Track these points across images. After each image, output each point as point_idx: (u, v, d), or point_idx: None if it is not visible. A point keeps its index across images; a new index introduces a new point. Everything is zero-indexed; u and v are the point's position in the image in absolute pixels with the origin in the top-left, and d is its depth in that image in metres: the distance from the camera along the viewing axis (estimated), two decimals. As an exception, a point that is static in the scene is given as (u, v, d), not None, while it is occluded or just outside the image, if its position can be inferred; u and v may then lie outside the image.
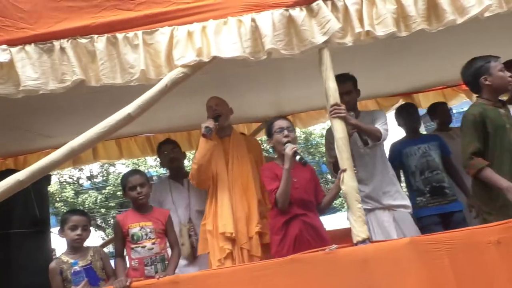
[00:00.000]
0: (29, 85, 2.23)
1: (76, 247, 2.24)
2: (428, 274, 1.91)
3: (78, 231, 2.22)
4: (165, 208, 2.81)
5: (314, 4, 2.25)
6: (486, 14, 2.24)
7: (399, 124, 3.41)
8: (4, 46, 2.20)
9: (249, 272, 2.00)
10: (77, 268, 2.05)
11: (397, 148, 3.22)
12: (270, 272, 1.98)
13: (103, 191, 17.82)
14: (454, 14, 2.24)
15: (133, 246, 2.31)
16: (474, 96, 4.93)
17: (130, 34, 2.28)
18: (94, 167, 17.97)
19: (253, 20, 2.22)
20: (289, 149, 2.34)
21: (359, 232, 2.03)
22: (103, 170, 18.04)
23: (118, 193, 16.45)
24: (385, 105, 4.94)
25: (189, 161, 8.59)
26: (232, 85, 3.10)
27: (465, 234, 1.96)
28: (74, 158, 4.53)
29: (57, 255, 2.36)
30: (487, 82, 2.35)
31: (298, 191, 2.39)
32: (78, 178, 17.89)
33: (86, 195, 17.03)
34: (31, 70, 2.25)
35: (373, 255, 1.94)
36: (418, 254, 1.93)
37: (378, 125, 2.64)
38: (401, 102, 5.02)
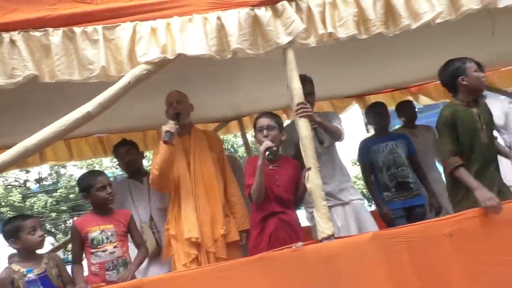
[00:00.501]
0: (-24, 77, 2.06)
1: (27, 255, 2.09)
2: (390, 268, 1.99)
3: (40, 232, 2.08)
4: (126, 208, 2.71)
5: (279, 5, 2.27)
6: (438, 21, 2.38)
7: (369, 122, 3.55)
8: None
9: (215, 272, 1.98)
10: (32, 276, 1.92)
11: (366, 145, 3.36)
12: (236, 272, 1.98)
13: (54, 194, 16.87)
14: (409, 19, 2.36)
15: (93, 250, 2.21)
16: (421, 98, 5.29)
17: (89, 28, 2.18)
18: (44, 169, 16.88)
19: (218, 18, 2.21)
20: (263, 146, 2.35)
21: (325, 229, 2.08)
22: (52, 172, 17.01)
23: (71, 195, 15.58)
24: (340, 106, 5.12)
25: (148, 161, 8.33)
26: (191, 84, 3.04)
27: (421, 227, 2.07)
28: None
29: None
30: (464, 83, 2.46)
31: (279, 189, 2.41)
32: (26, 181, 16.73)
33: (35, 199, 15.98)
34: (-22, 61, 2.08)
35: (337, 251, 1.99)
36: (381, 248, 2.01)
37: (336, 125, 2.73)
38: (354, 104, 5.22)
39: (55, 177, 17.50)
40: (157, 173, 2.43)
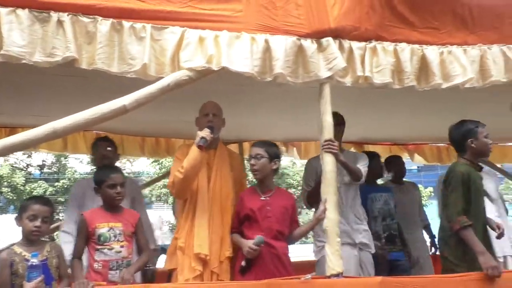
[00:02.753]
0: (12, 51, 2.01)
1: (32, 240, 1.99)
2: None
3: (37, 223, 1.97)
4: (86, 206, 2.60)
5: (324, 40, 2.35)
6: (467, 85, 2.50)
7: (388, 170, 3.67)
8: (-6, 4, 1.98)
9: (222, 291, 1.93)
10: (35, 261, 1.80)
11: (362, 191, 3.38)
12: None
13: (56, 184, 16.27)
14: (441, 79, 2.47)
15: (98, 247, 2.11)
16: (416, 157, 5.43)
17: (138, 25, 2.18)
18: (48, 157, 16.24)
19: (266, 41, 2.26)
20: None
21: (335, 266, 2.07)
22: (57, 161, 16.41)
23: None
24: (338, 149, 5.18)
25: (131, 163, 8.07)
26: (210, 99, 3.05)
27: (434, 280, 2.10)
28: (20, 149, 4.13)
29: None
30: (473, 145, 2.55)
31: (269, 220, 2.37)
32: (28, 165, 16.02)
33: (36, 185, 15.28)
34: (19, 36, 2.03)
35: (345, 290, 1.98)
36: (388, 294, 2.01)
37: (360, 166, 2.78)
38: (352, 149, 5.32)
39: (58, 167, 16.87)
40: (181, 176, 2.33)
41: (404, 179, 4.02)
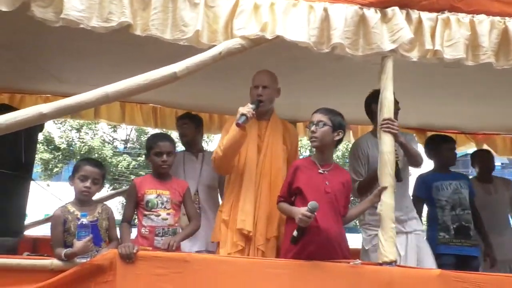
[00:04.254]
0: (72, 16, 2.04)
1: (83, 200, 2.05)
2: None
3: (87, 183, 2.01)
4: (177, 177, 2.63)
5: (389, 9, 2.15)
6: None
7: (429, 156, 3.33)
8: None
9: (265, 267, 1.87)
10: (84, 221, 1.85)
11: (426, 180, 3.14)
12: (286, 272, 1.86)
13: (138, 158, 17.27)
14: (525, 56, 2.18)
15: (146, 213, 2.13)
16: (484, 146, 4.98)
17: (192, -9, 2.12)
18: (132, 133, 17.39)
19: (325, 9, 2.11)
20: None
21: (388, 253, 1.93)
22: (139, 137, 17.57)
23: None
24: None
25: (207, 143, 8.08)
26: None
27: (495, 279, 1.88)
28: (56, 118, 4.32)
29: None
30: None
31: (329, 197, 2.14)
32: (114, 139, 17.27)
33: (121, 158, 16.46)
34: (78, 1, 2.06)
35: (399, 279, 1.84)
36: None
37: None
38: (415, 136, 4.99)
39: (140, 142, 17.93)
40: (221, 154, 2.28)
41: (493, 175, 3.65)
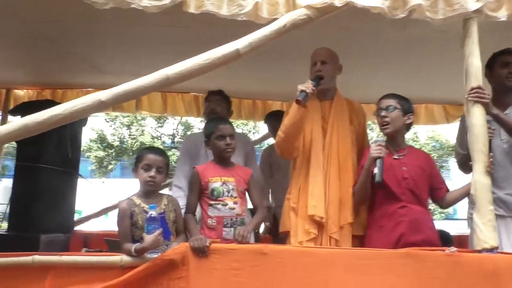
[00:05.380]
0: (123, -5, 1.90)
1: (148, 191, 1.92)
2: None
3: (152, 173, 1.88)
4: (199, 161, 2.45)
5: (471, -36, 1.90)
6: None
7: None
8: None
9: (351, 258, 1.69)
10: (153, 213, 1.73)
11: None
12: (375, 263, 1.67)
13: None
14: None
15: (212, 202, 1.98)
16: None
17: (247, -39, 1.94)
18: (179, 128, 17.56)
19: (399, -32, 1.88)
20: (374, 151, 2.01)
21: (487, 238, 1.71)
22: (185, 132, 17.78)
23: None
24: (452, 115, 4.52)
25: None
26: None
27: None
28: (115, 105, 4.27)
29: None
30: None
31: (407, 183, 2.04)
32: (161, 134, 17.43)
33: (170, 153, 16.75)
34: (127, -21, 1.92)
35: (505, 268, 1.62)
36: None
37: None
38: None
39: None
40: (283, 136, 2.13)
41: None
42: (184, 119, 15.79)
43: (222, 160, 2.10)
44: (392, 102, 2.14)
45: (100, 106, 1.74)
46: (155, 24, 2.48)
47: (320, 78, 2.20)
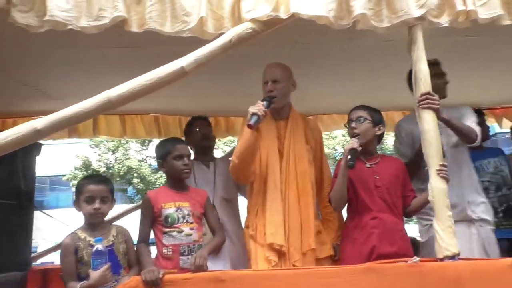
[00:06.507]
0: (57, 16, 1.81)
1: (94, 223, 1.80)
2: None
3: (96, 204, 1.77)
4: None
5: (412, -28, 1.91)
6: None
7: None
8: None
9: (314, 278, 1.62)
10: (100, 247, 1.60)
11: None
12: (339, 281, 1.61)
13: None
14: None
15: (166, 230, 1.87)
16: (505, 121, 4.71)
17: (191, -25, 1.88)
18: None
19: (341, -22, 1.87)
20: (347, 145, 2.05)
21: (448, 245, 1.68)
22: None
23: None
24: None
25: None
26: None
27: None
28: (71, 129, 4.09)
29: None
30: None
31: (380, 191, 2.03)
32: (146, 157, 16.92)
33: (158, 175, 16.06)
34: (63, -1, 1.82)
35: (468, 275, 1.59)
36: (521, 279, 1.59)
37: (470, 124, 2.27)
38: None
39: None
40: (237, 161, 2.04)
41: None
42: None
43: (178, 183, 1.99)
44: (362, 113, 2.15)
45: (36, 135, 1.62)
46: (101, 45, 2.38)
47: (271, 98, 2.11)
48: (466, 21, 1.97)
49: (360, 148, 2.03)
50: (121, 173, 15.31)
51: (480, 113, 3.07)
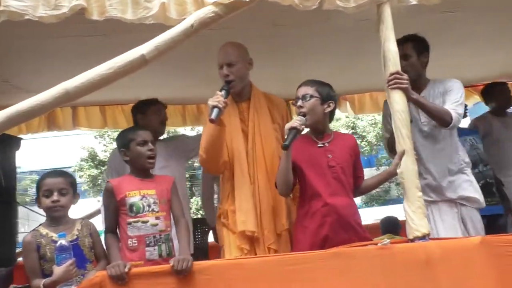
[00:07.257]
0: (13, 6, 1.75)
1: (56, 218, 1.74)
2: (501, 281, 1.57)
3: (54, 197, 1.71)
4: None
5: None
6: None
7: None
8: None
9: (282, 265, 1.60)
10: (63, 242, 1.57)
11: None
12: (308, 266, 1.59)
13: None
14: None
15: (131, 220, 1.79)
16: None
17: (150, -41, 1.82)
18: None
19: (305, -43, 1.81)
20: (287, 124, 1.86)
21: (418, 226, 1.68)
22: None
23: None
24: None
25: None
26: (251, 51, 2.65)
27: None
28: (50, 122, 4.03)
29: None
30: None
31: (334, 171, 1.89)
32: None
33: None
34: (18, -12, 1.75)
35: (437, 255, 1.59)
36: (490, 257, 1.59)
37: (450, 104, 2.12)
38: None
39: None
40: (204, 156, 1.98)
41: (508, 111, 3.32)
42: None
43: (142, 171, 1.92)
44: (309, 90, 1.95)
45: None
46: (66, 35, 2.31)
47: (229, 83, 2.03)
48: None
49: (303, 127, 1.84)
50: (126, 163, 15.43)
51: None
